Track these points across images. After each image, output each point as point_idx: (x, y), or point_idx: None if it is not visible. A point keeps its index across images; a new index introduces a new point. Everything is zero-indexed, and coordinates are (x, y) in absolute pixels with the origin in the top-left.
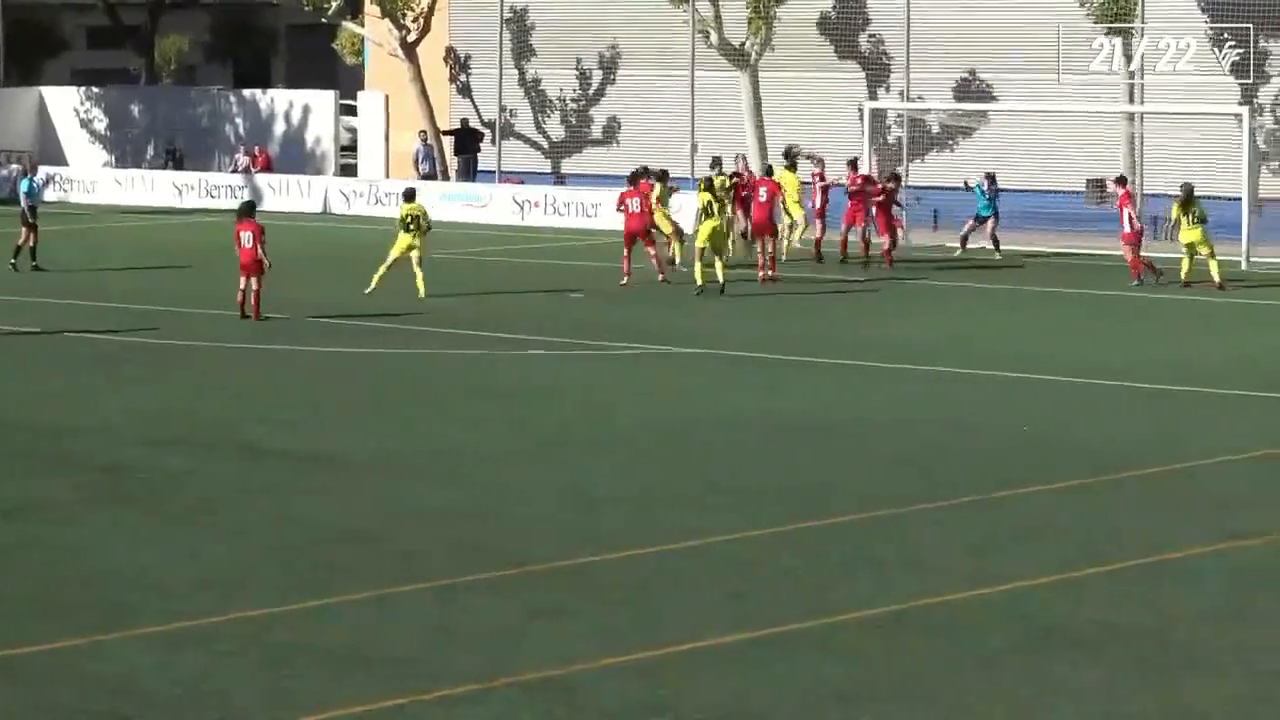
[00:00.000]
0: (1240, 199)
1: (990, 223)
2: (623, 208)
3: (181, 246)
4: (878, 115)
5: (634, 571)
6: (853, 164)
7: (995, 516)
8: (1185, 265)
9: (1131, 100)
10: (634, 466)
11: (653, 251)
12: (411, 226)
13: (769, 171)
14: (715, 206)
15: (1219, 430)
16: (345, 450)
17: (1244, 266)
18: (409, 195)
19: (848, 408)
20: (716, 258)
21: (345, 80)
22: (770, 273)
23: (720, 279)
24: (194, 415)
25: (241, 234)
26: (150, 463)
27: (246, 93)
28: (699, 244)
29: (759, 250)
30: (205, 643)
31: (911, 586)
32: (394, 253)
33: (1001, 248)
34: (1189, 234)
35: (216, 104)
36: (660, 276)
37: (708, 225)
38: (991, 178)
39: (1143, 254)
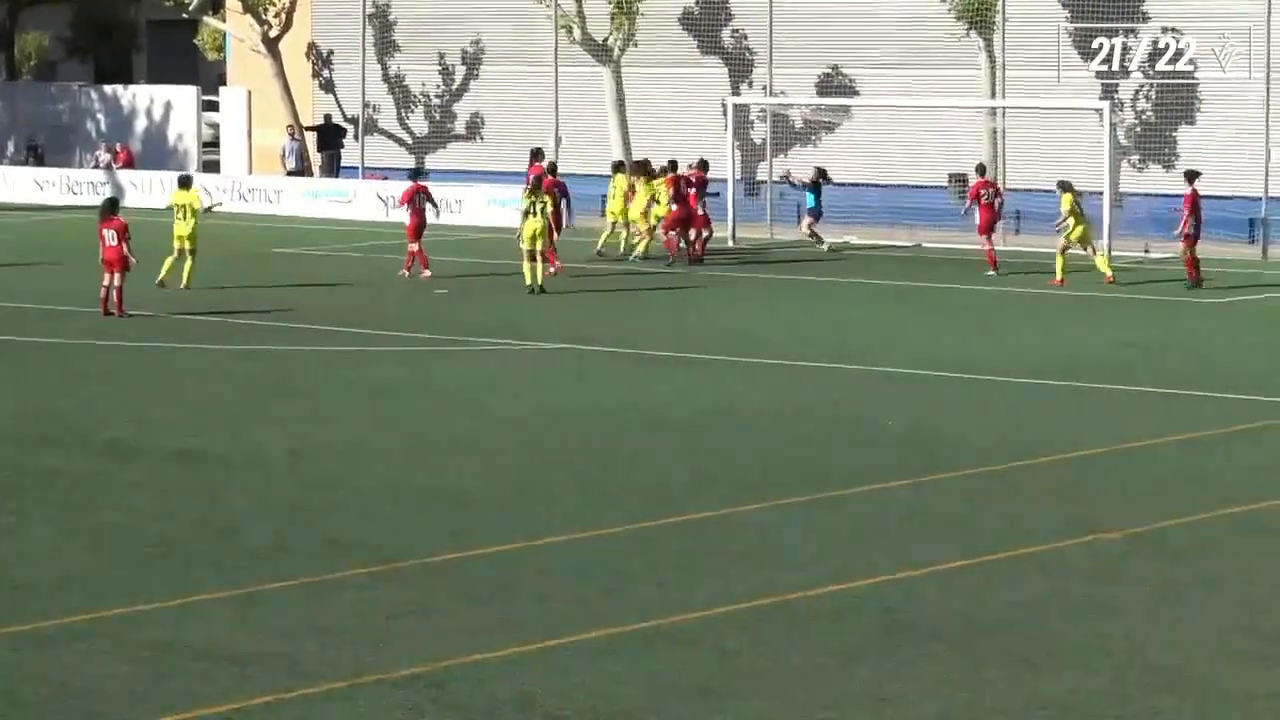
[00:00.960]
0: (1102, 194)
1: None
2: (408, 204)
3: (43, 244)
4: (741, 110)
5: (501, 568)
6: (672, 165)
7: (858, 510)
8: (1095, 262)
9: (993, 95)
10: (500, 462)
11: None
12: (180, 216)
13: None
14: (538, 207)
15: (1078, 424)
16: (212, 448)
17: None
18: (184, 182)
19: (713, 402)
20: (540, 257)
21: (207, 76)
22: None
23: (539, 280)
24: (58, 413)
25: (105, 231)
26: (14, 461)
27: (108, 89)
28: (524, 245)
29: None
30: (71, 641)
31: (776, 581)
32: (176, 243)
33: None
34: (1082, 226)
35: (78, 100)
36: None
37: (530, 225)
38: (821, 172)
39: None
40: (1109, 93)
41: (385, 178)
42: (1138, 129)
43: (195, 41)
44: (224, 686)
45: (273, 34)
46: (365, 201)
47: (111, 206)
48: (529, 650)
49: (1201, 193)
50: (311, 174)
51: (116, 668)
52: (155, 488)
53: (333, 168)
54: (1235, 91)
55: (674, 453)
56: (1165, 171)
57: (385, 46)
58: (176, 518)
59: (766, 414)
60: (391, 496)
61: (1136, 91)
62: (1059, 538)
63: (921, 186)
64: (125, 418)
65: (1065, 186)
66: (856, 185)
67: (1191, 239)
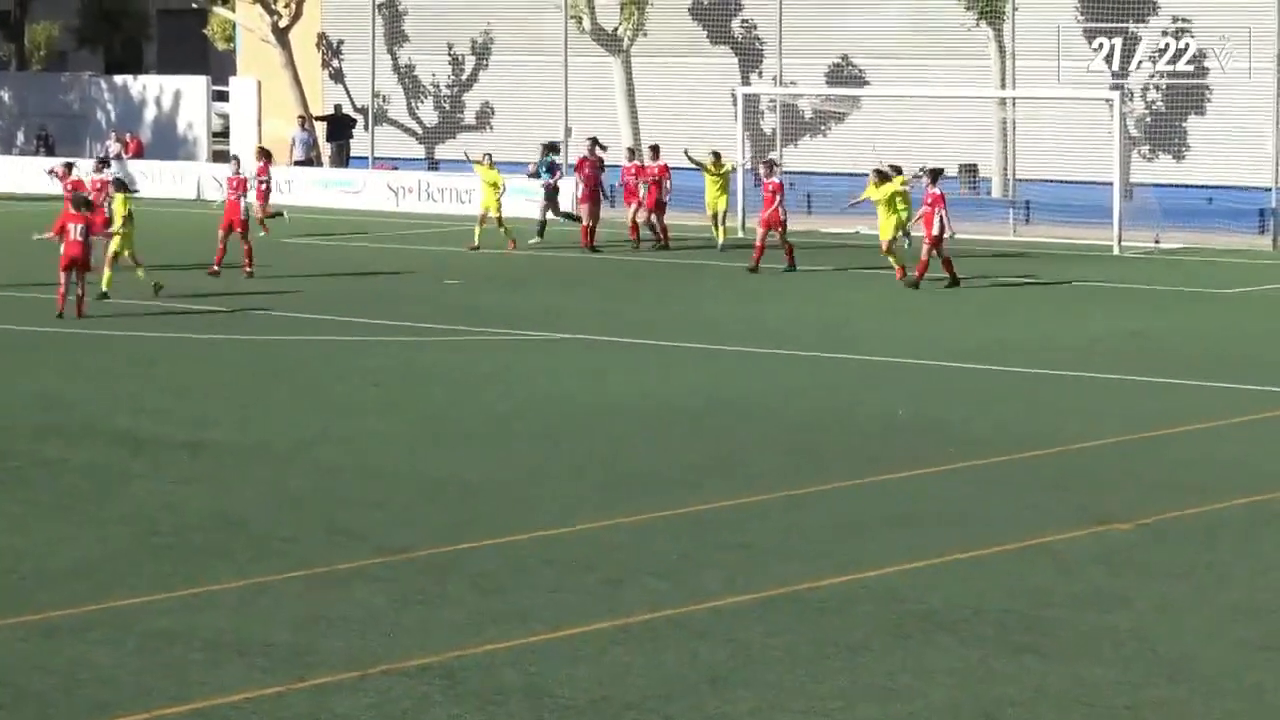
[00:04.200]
0: (1111, 184)
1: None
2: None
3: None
4: (750, 100)
5: (509, 558)
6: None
7: (867, 500)
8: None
9: (1003, 86)
10: (508, 452)
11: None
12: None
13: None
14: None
15: (1084, 414)
16: (220, 437)
17: (1115, 251)
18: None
19: (718, 392)
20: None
21: (217, 66)
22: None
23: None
24: (65, 403)
25: (70, 226)
26: (23, 450)
27: (118, 78)
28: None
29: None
30: (80, 631)
31: (785, 571)
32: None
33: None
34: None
35: (87, 90)
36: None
37: (129, 231)
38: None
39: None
40: (1119, 83)
41: (395, 167)
42: (1148, 119)
43: (205, 31)
44: (233, 677)
45: (282, 24)
46: (375, 192)
47: (83, 203)
48: (538, 640)
49: (1212, 183)
50: (321, 163)
51: (125, 658)
52: (163, 478)
53: (342, 158)
54: (1245, 82)
55: (682, 443)
56: (1176, 162)
57: (395, 36)
58: (184, 508)
59: (774, 404)
60: (400, 486)
61: (1146, 82)
62: (1068, 528)
63: None
64: (132, 408)
65: (899, 171)
66: (866, 175)
67: (937, 240)
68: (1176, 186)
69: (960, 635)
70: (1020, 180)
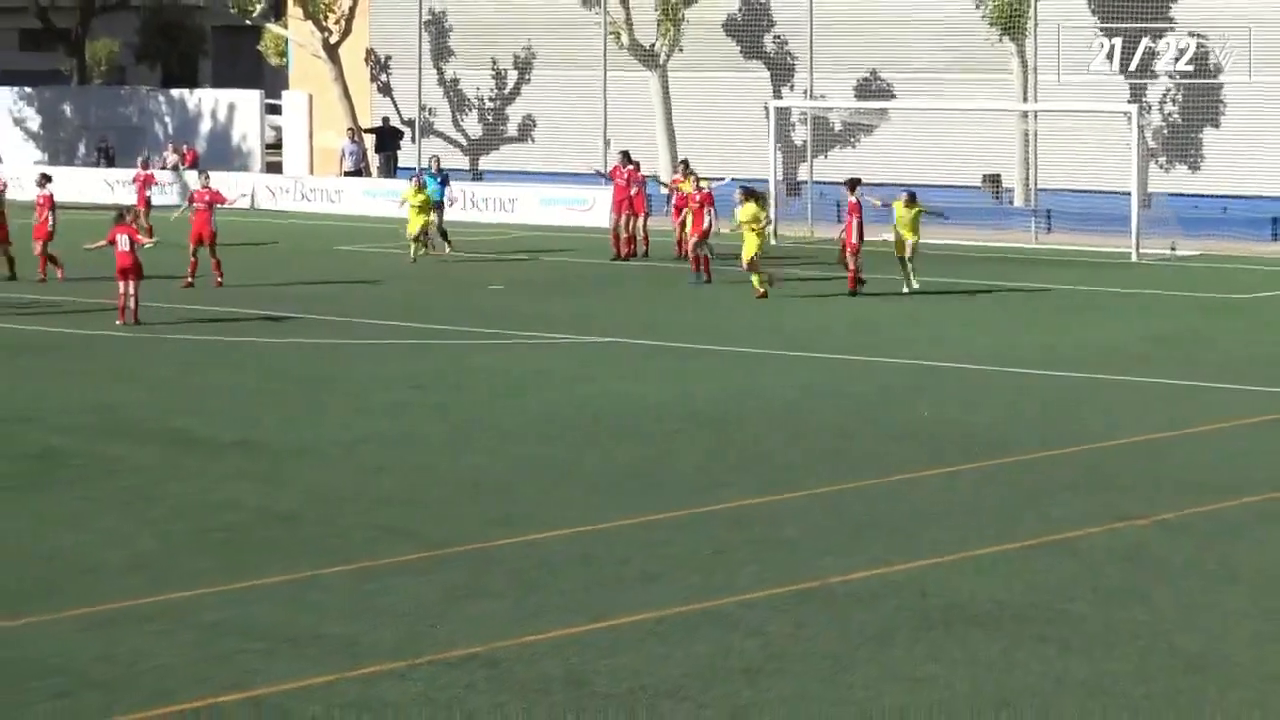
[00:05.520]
0: (1130, 193)
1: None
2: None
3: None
4: (782, 113)
5: (549, 553)
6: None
7: (894, 498)
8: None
9: (1025, 99)
10: (545, 451)
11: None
12: None
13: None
14: None
15: (1107, 415)
16: (268, 438)
17: (1133, 258)
18: None
19: (747, 394)
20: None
21: (270, 80)
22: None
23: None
24: (120, 405)
25: (118, 237)
26: (83, 449)
27: (175, 92)
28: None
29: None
30: (138, 623)
31: (815, 565)
32: None
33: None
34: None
35: (146, 103)
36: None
37: None
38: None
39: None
40: (1137, 96)
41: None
42: (1165, 131)
43: (259, 47)
44: (286, 666)
45: (333, 40)
46: None
47: (123, 215)
48: (577, 632)
49: (1227, 193)
50: (370, 174)
51: (182, 648)
52: (216, 476)
53: (389, 169)
54: (1259, 93)
55: (713, 442)
56: (1191, 172)
57: (441, 52)
58: (236, 505)
59: (802, 406)
60: (441, 484)
61: (1164, 94)
62: (1088, 525)
63: (955, 186)
64: (185, 409)
65: (750, 194)
66: (892, 185)
67: (856, 246)
68: (1193, 196)
69: (984, 627)
70: (1042, 190)
